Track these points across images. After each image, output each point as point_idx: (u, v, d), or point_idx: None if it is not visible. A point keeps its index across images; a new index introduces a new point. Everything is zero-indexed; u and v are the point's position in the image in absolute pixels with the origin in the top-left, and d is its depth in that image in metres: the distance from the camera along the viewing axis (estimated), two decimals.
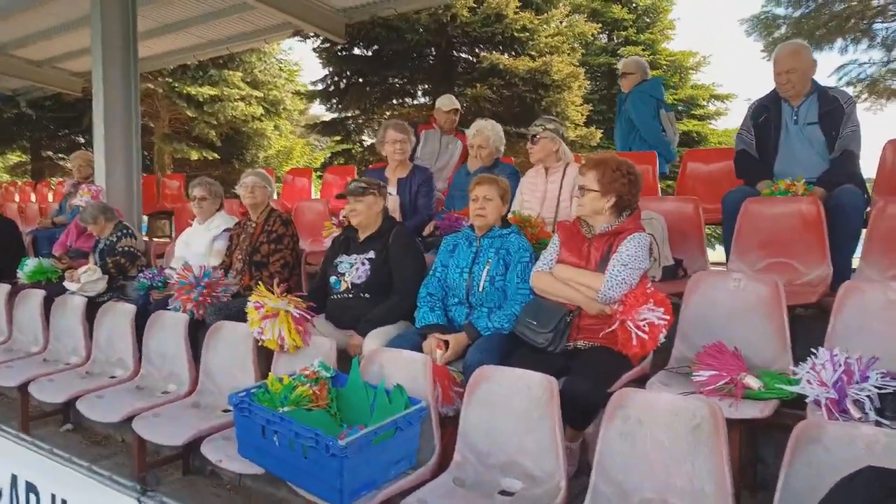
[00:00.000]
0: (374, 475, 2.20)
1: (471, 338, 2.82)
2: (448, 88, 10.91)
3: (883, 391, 1.97)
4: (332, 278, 3.34)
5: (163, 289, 4.10)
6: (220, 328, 3.32)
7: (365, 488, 2.17)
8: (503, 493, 2.18)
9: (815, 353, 2.17)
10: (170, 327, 3.54)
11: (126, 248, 4.68)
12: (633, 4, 18.46)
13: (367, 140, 14.74)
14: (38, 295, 4.44)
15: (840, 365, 2.04)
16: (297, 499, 2.69)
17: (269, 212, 4.03)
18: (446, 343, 2.79)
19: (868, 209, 3.36)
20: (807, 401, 2.08)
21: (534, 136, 3.70)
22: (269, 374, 2.70)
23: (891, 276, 2.92)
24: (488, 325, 2.83)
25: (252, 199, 3.99)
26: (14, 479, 2.29)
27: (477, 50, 12.70)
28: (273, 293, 2.93)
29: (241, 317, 3.18)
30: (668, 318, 2.41)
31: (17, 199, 10.24)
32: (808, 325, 2.79)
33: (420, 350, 2.78)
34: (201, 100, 13.58)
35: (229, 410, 3.00)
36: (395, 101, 13.81)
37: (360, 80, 13.09)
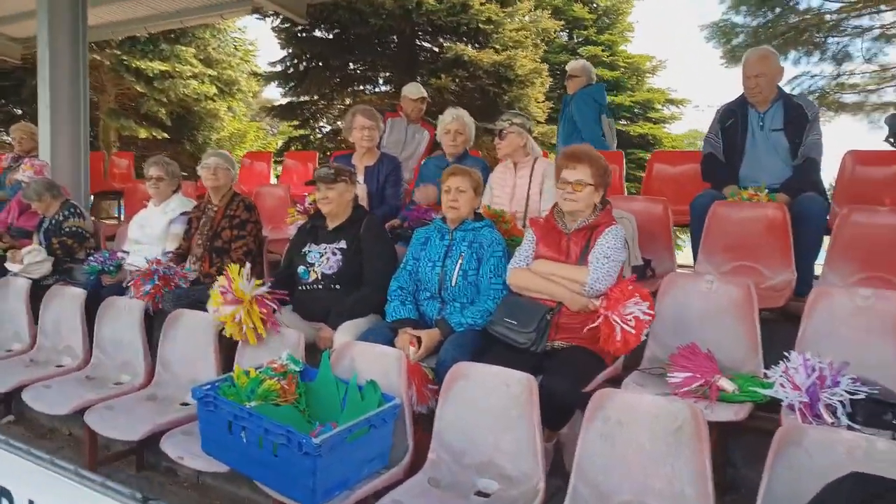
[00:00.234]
0: (347, 474, 2.13)
1: (444, 334, 2.76)
2: (411, 78, 10.75)
3: (854, 396, 2.01)
4: (301, 268, 3.22)
5: (115, 273, 3.90)
6: (179, 316, 3.18)
7: (338, 488, 2.10)
8: (479, 493, 2.14)
9: (787, 357, 2.20)
10: (124, 314, 3.37)
11: (73, 229, 4.42)
12: (594, 4, 18.69)
13: (326, 127, 14.43)
14: None
15: (813, 369, 2.08)
16: (261, 497, 2.60)
17: (232, 196, 3.85)
18: (419, 339, 2.72)
19: (828, 216, 3.46)
20: (783, 404, 2.11)
21: (501, 130, 3.64)
22: (235, 366, 2.59)
23: (854, 282, 3.01)
24: (461, 321, 2.78)
25: (214, 181, 3.79)
26: None
27: (441, 40, 12.61)
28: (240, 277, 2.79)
29: (201, 305, 3.03)
30: (652, 313, 2.41)
31: None
32: (772, 329, 2.83)
33: (392, 345, 2.70)
34: (151, 75, 12.95)
35: (188, 404, 2.87)
36: (356, 88, 13.56)
37: (321, 63, 12.79)
